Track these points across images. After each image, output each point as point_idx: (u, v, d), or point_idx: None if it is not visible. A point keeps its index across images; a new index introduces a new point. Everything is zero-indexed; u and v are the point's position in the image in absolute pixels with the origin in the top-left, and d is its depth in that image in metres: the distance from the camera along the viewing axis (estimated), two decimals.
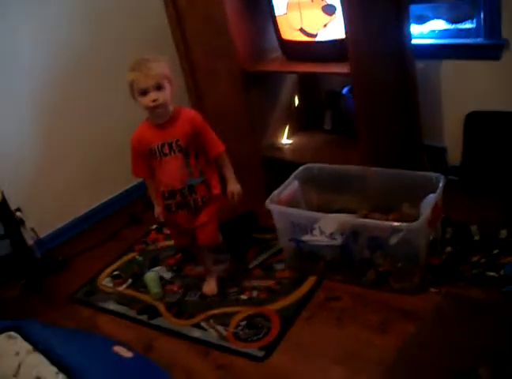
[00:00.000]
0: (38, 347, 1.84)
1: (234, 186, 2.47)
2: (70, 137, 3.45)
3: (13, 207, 3.06)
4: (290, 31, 2.90)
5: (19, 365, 1.77)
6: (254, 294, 2.60)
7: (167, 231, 3.06)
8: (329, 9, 2.67)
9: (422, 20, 3.02)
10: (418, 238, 2.30)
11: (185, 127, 2.33)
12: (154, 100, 2.21)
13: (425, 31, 3.03)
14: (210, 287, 2.69)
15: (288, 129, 3.43)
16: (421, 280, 2.38)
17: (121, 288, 2.89)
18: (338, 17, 2.60)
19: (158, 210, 2.50)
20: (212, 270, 2.72)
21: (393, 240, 2.34)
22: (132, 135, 2.42)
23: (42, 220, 3.32)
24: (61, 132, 3.40)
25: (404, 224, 2.25)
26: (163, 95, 2.23)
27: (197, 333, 2.45)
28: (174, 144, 2.33)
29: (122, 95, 3.26)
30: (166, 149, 2.34)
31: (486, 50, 2.83)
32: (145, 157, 2.39)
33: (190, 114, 2.39)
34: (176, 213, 2.47)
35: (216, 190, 2.47)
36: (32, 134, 3.28)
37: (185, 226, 2.50)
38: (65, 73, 3.36)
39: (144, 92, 2.21)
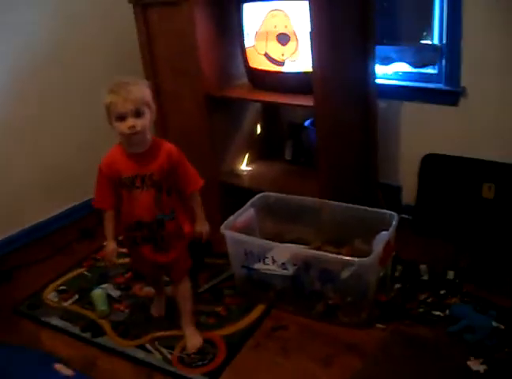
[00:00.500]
0: None
1: (204, 226, 2.32)
2: (24, 143, 3.37)
3: None
4: (257, 59, 2.94)
5: None
6: (202, 318, 2.58)
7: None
8: (282, 39, 2.77)
9: (387, 61, 3.11)
10: (368, 274, 2.34)
11: (161, 161, 2.16)
12: (131, 127, 2.03)
13: (389, 72, 3.12)
14: (159, 308, 2.65)
15: (248, 156, 3.45)
16: (369, 316, 2.41)
17: (66, 303, 2.83)
18: (305, 50, 2.66)
19: (111, 247, 2.26)
20: (163, 291, 2.66)
21: (345, 274, 2.37)
22: (102, 159, 2.22)
23: None
24: (13, 136, 3.32)
25: (357, 259, 2.28)
26: (142, 123, 2.05)
27: (141, 354, 2.41)
28: (147, 178, 2.15)
29: (79, 107, 3.25)
30: (138, 182, 2.16)
31: (445, 96, 2.93)
32: (113, 185, 2.19)
33: (167, 147, 2.20)
34: (141, 246, 2.29)
35: (187, 229, 2.30)
36: None
37: (149, 258, 2.32)
38: (24, 76, 3.31)
39: (121, 118, 2.03)
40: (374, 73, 2.92)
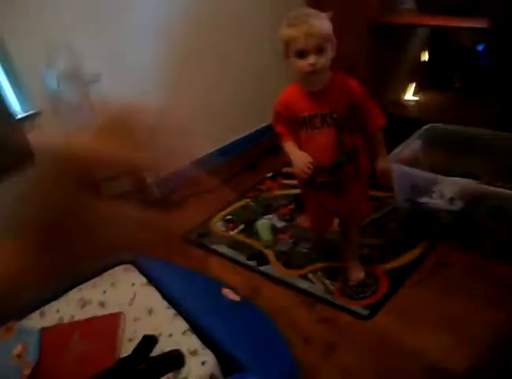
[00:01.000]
0: (151, 280, 1.92)
1: (385, 164, 2.17)
2: (195, 82, 3.49)
3: None
4: None
5: (134, 295, 1.86)
6: (365, 251, 2.56)
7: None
8: None
9: None
10: None
11: (343, 99, 2.00)
12: (313, 64, 1.88)
13: None
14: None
15: (415, 85, 3.30)
16: None
17: (233, 233, 2.96)
18: None
19: (304, 154, 2.03)
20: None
21: None
22: (278, 97, 2.10)
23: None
24: (185, 77, 3.46)
25: None
26: (324, 60, 1.90)
27: (304, 284, 2.46)
28: (328, 117, 2.00)
29: (242, 45, 3.25)
30: (317, 121, 2.02)
31: None
32: (291, 125, 2.07)
33: (350, 84, 2.02)
34: (320, 192, 2.18)
35: (365, 163, 2.16)
36: (159, 76, 3.36)
37: (330, 207, 2.23)
38: (196, 22, 3.40)
39: (301, 54, 1.89)
40: None
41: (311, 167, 1.99)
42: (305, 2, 3.18)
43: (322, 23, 1.90)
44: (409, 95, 3.29)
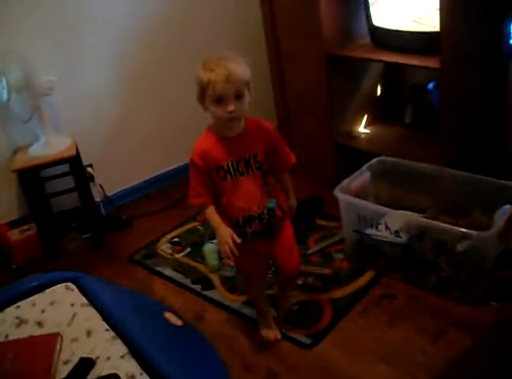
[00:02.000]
0: (92, 301, 1.88)
1: (294, 201, 2.17)
2: (149, 101, 3.50)
3: (85, 162, 3.15)
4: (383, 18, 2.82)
5: (73, 316, 1.82)
6: (310, 280, 2.57)
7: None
8: None
9: None
10: (487, 248, 2.21)
11: (262, 140, 1.96)
12: (231, 112, 1.82)
13: None
14: (272, 327, 2.32)
15: (367, 118, 3.35)
16: (483, 292, 2.29)
17: (179, 255, 2.93)
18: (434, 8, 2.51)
19: (228, 230, 1.92)
20: (286, 301, 2.45)
21: (461, 247, 2.25)
22: (193, 147, 1.98)
23: (111, 179, 3.42)
24: (140, 94, 3.46)
25: (475, 232, 2.16)
26: (242, 106, 1.84)
27: (247, 310, 2.45)
28: (252, 161, 1.94)
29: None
30: (242, 167, 1.94)
31: None
32: (209, 178, 1.96)
33: (265, 124, 2.00)
34: (253, 242, 2.05)
35: (286, 209, 2.11)
36: (112, 94, 3.35)
37: (263, 252, 2.12)
38: (152, 38, 3.40)
39: (219, 100, 1.81)
40: (509, 33, 2.70)
41: (236, 241, 1.89)
42: (264, 30, 3.23)
43: (242, 67, 1.83)
44: (361, 127, 3.34)
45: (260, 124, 1.99)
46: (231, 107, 1.81)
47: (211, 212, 1.97)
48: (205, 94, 1.83)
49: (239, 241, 1.90)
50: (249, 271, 2.21)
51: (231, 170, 1.93)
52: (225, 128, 1.92)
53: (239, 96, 1.81)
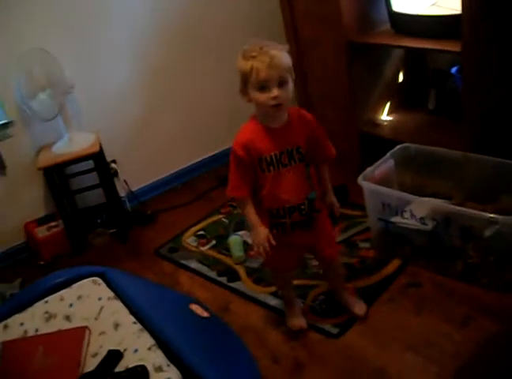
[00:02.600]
0: (119, 294, 1.90)
1: (334, 198, 2.11)
2: (171, 96, 3.52)
3: (109, 159, 3.18)
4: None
5: (100, 309, 1.84)
6: None
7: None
8: None
9: None
10: None
11: (304, 131, 1.92)
12: (276, 98, 1.77)
13: None
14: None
15: (389, 106, 3.32)
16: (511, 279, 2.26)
17: (204, 248, 2.94)
18: None
19: (265, 232, 1.93)
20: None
21: (488, 232, 2.22)
22: (235, 137, 1.93)
23: (135, 174, 3.45)
24: (163, 90, 3.48)
25: (502, 217, 2.12)
26: (287, 93, 1.80)
27: (273, 301, 2.45)
28: (295, 152, 1.90)
29: (221, 60, 3.28)
30: (285, 159, 1.90)
31: None
32: (250, 169, 1.91)
33: (307, 116, 1.96)
34: (291, 233, 2.03)
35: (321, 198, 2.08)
36: (135, 90, 3.37)
37: (300, 244, 2.11)
38: (174, 35, 3.43)
39: (263, 87, 1.77)
40: None
41: (272, 243, 1.90)
42: (283, 22, 3.21)
43: (284, 54, 1.79)
44: (384, 114, 3.31)
45: (301, 114, 1.95)
46: (274, 92, 1.76)
47: (249, 208, 1.94)
48: (248, 82, 1.79)
49: (274, 243, 1.90)
50: (279, 266, 2.18)
51: (274, 162, 1.90)
52: (270, 117, 1.88)
53: (282, 83, 1.77)
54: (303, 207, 1.97)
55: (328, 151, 2.03)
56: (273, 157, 1.89)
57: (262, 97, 1.78)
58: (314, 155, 1.98)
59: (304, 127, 1.93)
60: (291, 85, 1.81)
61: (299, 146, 1.91)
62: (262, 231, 1.92)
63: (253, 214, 1.94)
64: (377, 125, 3.25)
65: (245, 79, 1.80)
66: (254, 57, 1.75)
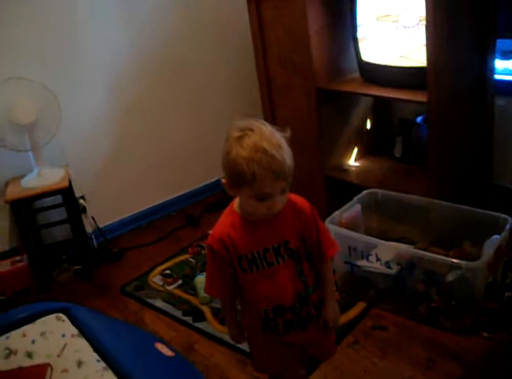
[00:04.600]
0: (83, 332, 1.87)
1: (334, 310, 1.73)
2: (143, 135, 3.55)
3: (77, 194, 3.16)
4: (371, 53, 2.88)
5: (64, 346, 1.81)
6: None
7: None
8: None
9: (508, 55, 2.94)
10: (476, 279, 2.22)
11: (294, 223, 1.59)
12: (273, 208, 1.49)
13: (510, 67, 2.94)
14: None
15: (357, 152, 3.39)
16: (474, 322, 2.30)
17: (170, 287, 2.93)
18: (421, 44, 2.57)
19: (235, 331, 1.77)
20: None
21: (451, 277, 2.27)
22: (213, 229, 1.63)
23: (103, 211, 3.43)
24: (134, 128, 3.51)
25: (464, 262, 2.18)
26: (285, 198, 1.52)
27: None
28: (282, 248, 1.57)
29: (192, 101, 3.32)
30: (270, 256, 1.57)
31: None
32: (230, 266, 1.59)
33: (301, 205, 1.61)
34: (285, 335, 1.68)
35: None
36: (107, 126, 3.39)
37: (298, 344, 1.75)
38: (150, 75, 3.49)
39: (263, 198, 1.45)
40: (493, 68, 2.77)
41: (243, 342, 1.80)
42: (256, 64, 3.28)
43: (287, 154, 1.47)
44: (351, 160, 3.37)
45: (296, 205, 1.60)
46: (275, 205, 1.48)
47: (226, 306, 1.75)
48: (243, 186, 1.45)
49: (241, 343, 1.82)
50: (269, 368, 1.85)
51: (257, 260, 1.58)
52: (256, 216, 1.54)
53: (284, 190, 1.49)
54: (295, 306, 1.64)
55: (326, 247, 1.66)
56: (256, 255, 1.57)
57: (260, 207, 1.48)
58: (310, 251, 1.65)
59: (296, 219, 1.59)
60: (289, 186, 1.51)
61: (286, 241, 1.58)
62: (232, 332, 1.79)
63: (228, 313, 1.76)
64: (344, 170, 3.31)
65: (239, 181, 1.45)
66: (254, 160, 1.40)
